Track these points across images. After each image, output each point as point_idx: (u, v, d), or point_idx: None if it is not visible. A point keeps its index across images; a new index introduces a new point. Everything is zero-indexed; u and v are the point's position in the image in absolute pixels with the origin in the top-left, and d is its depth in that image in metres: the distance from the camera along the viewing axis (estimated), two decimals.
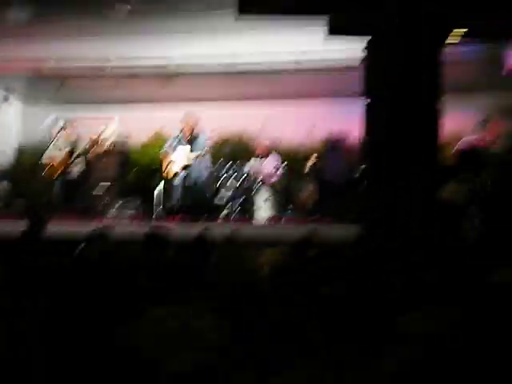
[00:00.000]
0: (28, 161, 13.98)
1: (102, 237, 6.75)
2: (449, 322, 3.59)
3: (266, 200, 11.88)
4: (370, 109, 7.91)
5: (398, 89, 7.63)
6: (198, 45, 11.96)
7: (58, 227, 11.07)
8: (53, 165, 12.53)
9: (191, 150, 11.88)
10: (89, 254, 6.44)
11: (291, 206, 12.21)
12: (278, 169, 12.33)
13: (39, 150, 13.37)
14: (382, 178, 7.70)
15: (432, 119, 7.64)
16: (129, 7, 10.84)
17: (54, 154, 12.57)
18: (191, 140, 11.96)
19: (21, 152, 14.28)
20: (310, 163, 12.19)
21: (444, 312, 3.68)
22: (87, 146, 12.62)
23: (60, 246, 7.17)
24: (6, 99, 14.02)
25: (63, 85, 13.78)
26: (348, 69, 10.71)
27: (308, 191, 12.12)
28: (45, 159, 12.63)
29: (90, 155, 12.63)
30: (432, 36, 7.61)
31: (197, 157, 11.79)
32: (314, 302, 4.18)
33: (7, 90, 13.98)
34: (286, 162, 12.48)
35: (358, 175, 10.93)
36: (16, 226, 9.68)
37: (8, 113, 14.20)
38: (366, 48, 7.87)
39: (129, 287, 5.34)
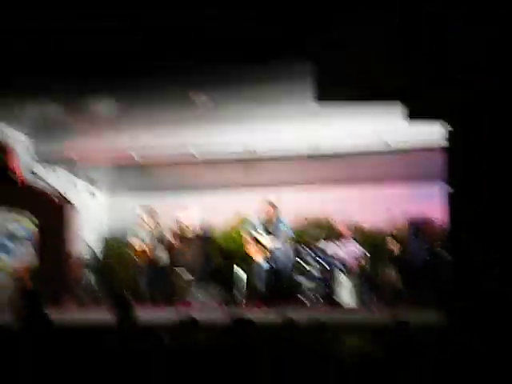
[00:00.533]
0: (113, 251, 14.28)
1: (192, 324, 6.84)
2: None
3: (346, 285, 11.77)
4: (451, 192, 7.86)
5: (478, 175, 7.58)
6: (277, 130, 12.14)
7: (144, 314, 11.26)
8: (137, 253, 12.79)
9: (272, 234, 11.98)
10: (182, 341, 6.53)
11: (373, 291, 12.04)
12: (358, 253, 12.26)
13: (124, 240, 13.69)
14: (466, 263, 7.59)
15: None
16: (206, 97, 11.13)
17: (138, 242, 12.83)
18: (272, 224, 12.08)
19: (106, 242, 14.60)
20: (391, 247, 12.08)
21: None
22: (170, 233, 12.85)
23: (149, 332, 7.30)
24: (92, 194, 14.40)
25: (145, 174, 14.15)
26: (428, 151, 10.71)
27: (390, 276, 11.96)
28: (129, 248, 12.90)
29: (173, 242, 12.84)
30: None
31: (278, 241, 11.88)
32: None
33: (91, 181, 14.37)
34: (366, 246, 12.43)
35: (441, 260, 10.73)
36: (104, 316, 9.89)
37: (92, 204, 14.57)
38: (445, 134, 7.87)
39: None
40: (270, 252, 11.90)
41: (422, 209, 12.03)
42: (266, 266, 11.90)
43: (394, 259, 11.99)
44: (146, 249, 12.77)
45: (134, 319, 7.38)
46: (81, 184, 14.22)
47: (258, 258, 11.99)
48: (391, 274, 11.95)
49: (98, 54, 8.52)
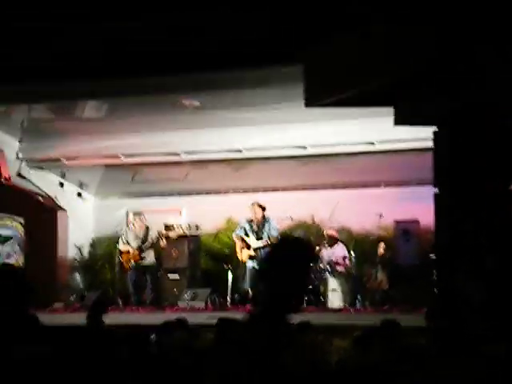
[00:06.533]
0: (101, 253, 14.26)
1: (178, 326, 6.77)
2: None
3: (335, 288, 11.73)
4: (439, 196, 7.88)
5: (465, 177, 7.59)
6: (266, 135, 12.15)
7: (130, 317, 11.25)
8: (125, 256, 12.76)
9: (261, 237, 12.02)
10: (167, 343, 6.48)
11: (361, 293, 12.00)
12: (346, 256, 12.24)
13: (112, 242, 13.67)
14: (453, 265, 7.61)
15: (502, 208, 7.56)
16: (198, 103, 11.14)
17: (126, 245, 12.80)
18: (260, 227, 12.12)
19: (94, 244, 14.58)
20: (380, 250, 12.08)
21: None
22: (158, 236, 12.80)
23: (134, 335, 7.27)
24: (79, 195, 14.38)
25: (134, 178, 14.14)
26: (417, 155, 10.73)
27: (378, 279, 11.94)
28: (117, 250, 12.88)
29: (160, 245, 12.81)
30: (497, 124, 7.58)
31: (266, 243, 11.91)
32: None
33: (81, 184, 14.35)
34: (354, 249, 12.44)
35: (430, 262, 10.62)
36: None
37: (81, 206, 14.55)
38: (432, 137, 7.89)
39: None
40: (256, 252, 11.94)
41: (411, 211, 12.03)
42: (251, 265, 11.94)
43: (383, 262, 11.96)
44: (133, 250, 12.73)
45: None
46: (70, 186, 14.19)
47: (246, 257, 12.04)
48: (380, 276, 11.93)
49: (87, 57, 8.50)
